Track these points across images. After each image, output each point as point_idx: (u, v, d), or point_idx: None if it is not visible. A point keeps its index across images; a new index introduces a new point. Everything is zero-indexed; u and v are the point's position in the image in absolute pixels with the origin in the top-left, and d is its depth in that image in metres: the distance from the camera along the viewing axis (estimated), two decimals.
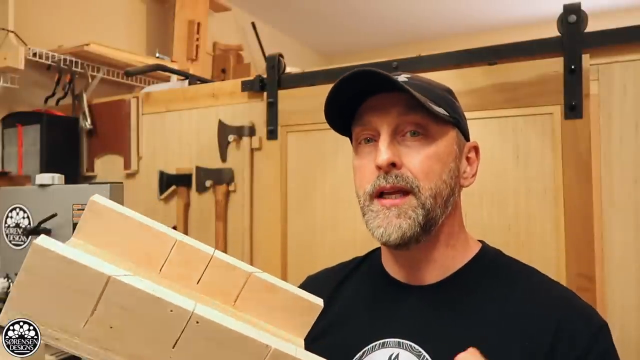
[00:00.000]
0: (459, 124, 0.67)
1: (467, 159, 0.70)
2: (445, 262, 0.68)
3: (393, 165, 0.62)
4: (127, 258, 0.51)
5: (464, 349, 0.59)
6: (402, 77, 0.67)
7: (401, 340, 0.64)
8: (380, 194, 0.63)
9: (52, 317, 0.46)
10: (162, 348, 0.47)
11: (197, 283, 0.52)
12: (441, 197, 0.64)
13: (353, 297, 0.74)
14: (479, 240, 0.73)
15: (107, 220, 0.52)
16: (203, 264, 0.53)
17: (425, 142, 0.64)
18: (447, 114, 0.65)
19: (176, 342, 0.46)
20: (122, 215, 0.52)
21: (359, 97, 0.66)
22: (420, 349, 0.62)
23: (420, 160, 0.63)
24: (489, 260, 0.69)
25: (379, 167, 0.62)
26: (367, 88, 0.64)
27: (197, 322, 0.46)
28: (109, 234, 0.51)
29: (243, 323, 0.48)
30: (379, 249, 0.76)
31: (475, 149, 0.71)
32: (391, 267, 0.72)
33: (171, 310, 0.46)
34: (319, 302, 0.56)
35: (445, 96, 0.68)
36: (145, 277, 0.47)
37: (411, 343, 0.63)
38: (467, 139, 0.70)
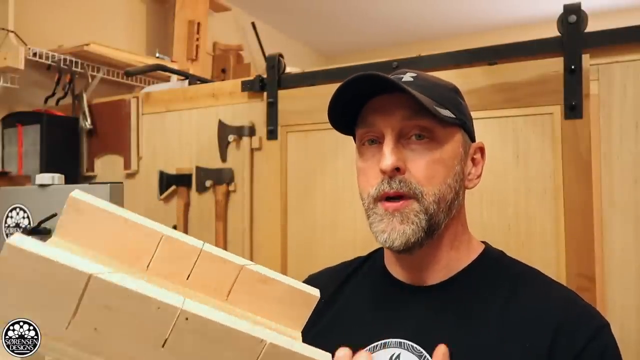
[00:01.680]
0: (465, 125, 0.67)
1: (473, 160, 0.69)
2: (449, 263, 0.67)
3: (397, 170, 0.61)
4: (113, 256, 0.49)
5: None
6: (407, 76, 0.66)
7: (402, 341, 0.63)
8: (383, 198, 0.63)
9: (32, 320, 0.43)
10: (151, 348, 0.44)
11: (187, 278, 0.50)
12: (445, 201, 0.63)
13: (355, 297, 0.74)
14: (482, 242, 0.72)
15: (89, 217, 0.49)
16: (192, 259, 0.51)
17: (431, 146, 0.63)
18: (454, 116, 0.64)
19: (165, 341, 0.44)
20: (105, 212, 0.49)
21: (363, 97, 0.65)
22: (422, 350, 0.62)
23: (424, 165, 0.62)
24: (492, 262, 0.69)
25: (383, 172, 0.62)
26: (371, 89, 0.64)
27: (187, 319, 0.43)
28: (91, 232, 0.49)
29: (236, 318, 0.46)
30: (381, 249, 0.76)
31: (481, 149, 0.71)
32: (394, 267, 0.71)
33: (158, 308, 0.43)
34: (315, 292, 0.54)
35: (452, 96, 0.67)
36: (132, 276, 0.45)
37: (412, 343, 0.63)
38: (473, 139, 0.70)
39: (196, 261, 0.51)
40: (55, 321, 0.43)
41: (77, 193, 0.49)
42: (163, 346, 0.44)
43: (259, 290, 0.52)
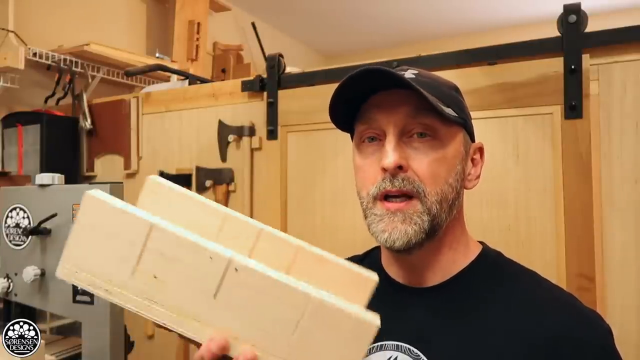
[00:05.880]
0: (466, 124, 0.66)
1: (472, 160, 0.68)
2: (447, 265, 0.66)
3: (400, 168, 0.60)
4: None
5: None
6: (408, 73, 0.65)
7: (400, 344, 0.63)
8: (384, 197, 0.62)
9: (102, 268, 0.49)
10: (204, 298, 0.48)
11: (249, 257, 0.52)
12: (447, 201, 0.62)
13: None
14: (480, 242, 0.72)
15: (163, 197, 0.55)
16: (253, 238, 0.55)
17: (433, 144, 0.62)
18: (456, 115, 0.63)
19: (217, 292, 0.47)
20: (177, 192, 0.55)
21: (364, 93, 0.64)
22: (419, 353, 0.61)
23: (427, 164, 0.61)
24: (489, 263, 0.68)
25: (384, 170, 0.60)
26: (375, 85, 0.62)
27: (236, 270, 0.47)
28: (164, 210, 0.53)
29: (284, 274, 0.49)
30: (378, 247, 0.75)
31: (481, 150, 0.70)
32: (391, 268, 0.71)
33: (211, 258, 0.47)
34: (374, 276, 0.53)
35: (453, 94, 0.66)
36: None
37: (409, 346, 0.62)
38: (473, 139, 0.69)
39: (257, 240, 0.55)
40: (122, 269, 0.49)
41: (154, 177, 0.56)
42: (215, 296, 0.48)
43: (316, 270, 0.54)
